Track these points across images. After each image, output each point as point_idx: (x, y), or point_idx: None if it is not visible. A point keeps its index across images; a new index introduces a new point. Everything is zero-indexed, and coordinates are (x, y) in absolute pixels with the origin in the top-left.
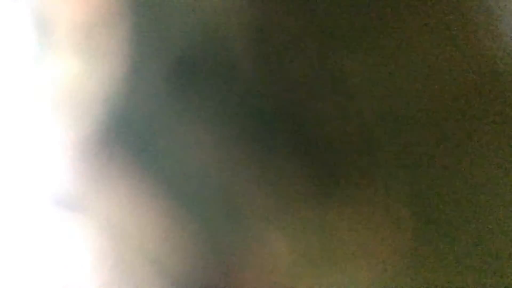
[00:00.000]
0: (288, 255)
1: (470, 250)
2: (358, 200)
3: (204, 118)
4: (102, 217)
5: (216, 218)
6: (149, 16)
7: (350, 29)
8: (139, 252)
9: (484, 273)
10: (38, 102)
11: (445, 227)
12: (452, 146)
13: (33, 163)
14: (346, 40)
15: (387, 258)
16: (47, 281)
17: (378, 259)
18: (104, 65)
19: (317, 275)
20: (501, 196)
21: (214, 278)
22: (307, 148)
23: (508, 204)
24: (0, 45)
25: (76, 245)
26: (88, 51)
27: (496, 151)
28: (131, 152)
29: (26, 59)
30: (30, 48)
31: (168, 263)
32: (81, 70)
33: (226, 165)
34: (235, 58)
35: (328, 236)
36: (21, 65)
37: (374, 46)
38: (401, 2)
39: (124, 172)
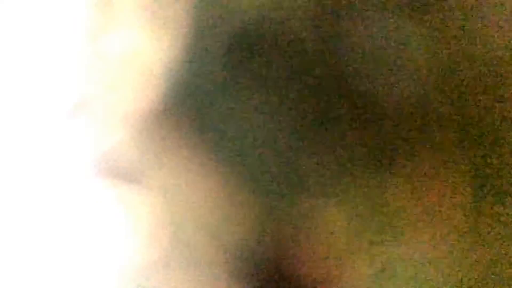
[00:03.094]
0: (345, 228)
1: None
2: (418, 173)
3: (264, 88)
4: (161, 188)
5: (274, 189)
6: None
7: None
8: (195, 223)
9: None
10: (101, 74)
11: (505, 202)
12: None
13: (93, 134)
14: (406, 6)
15: (446, 232)
16: (106, 252)
17: (436, 234)
18: (166, 38)
19: (374, 249)
20: None
21: (269, 250)
22: (367, 121)
23: None
24: (63, 18)
25: (134, 216)
26: (150, 24)
27: None
28: (191, 123)
29: (89, 31)
30: (93, 20)
31: (224, 234)
32: (143, 42)
33: (285, 137)
34: (295, 30)
35: (387, 210)
36: (84, 38)
37: (433, 11)
38: None
39: (184, 142)
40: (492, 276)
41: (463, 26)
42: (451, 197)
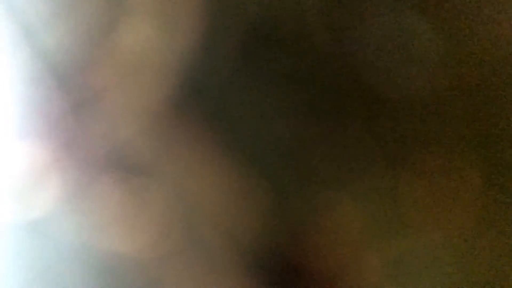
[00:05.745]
0: (358, 221)
1: None
2: (430, 167)
3: (276, 84)
4: (173, 182)
5: (286, 184)
6: None
7: None
8: (207, 216)
9: None
10: (112, 68)
11: None
12: None
13: (103, 128)
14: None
15: (457, 226)
16: (117, 245)
17: (448, 228)
18: (178, 31)
19: (387, 242)
20: None
21: (282, 244)
22: (380, 115)
23: None
24: (74, 11)
25: (146, 210)
26: (163, 18)
27: None
28: (203, 118)
29: (100, 25)
30: (104, 14)
31: (236, 227)
32: (155, 36)
33: (297, 132)
34: (308, 26)
35: (399, 202)
36: (95, 31)
37: (445, 5)
38: None
39: (196, 137)
40: (505, 270)
41: (476, 21)
42: (463, 191)
